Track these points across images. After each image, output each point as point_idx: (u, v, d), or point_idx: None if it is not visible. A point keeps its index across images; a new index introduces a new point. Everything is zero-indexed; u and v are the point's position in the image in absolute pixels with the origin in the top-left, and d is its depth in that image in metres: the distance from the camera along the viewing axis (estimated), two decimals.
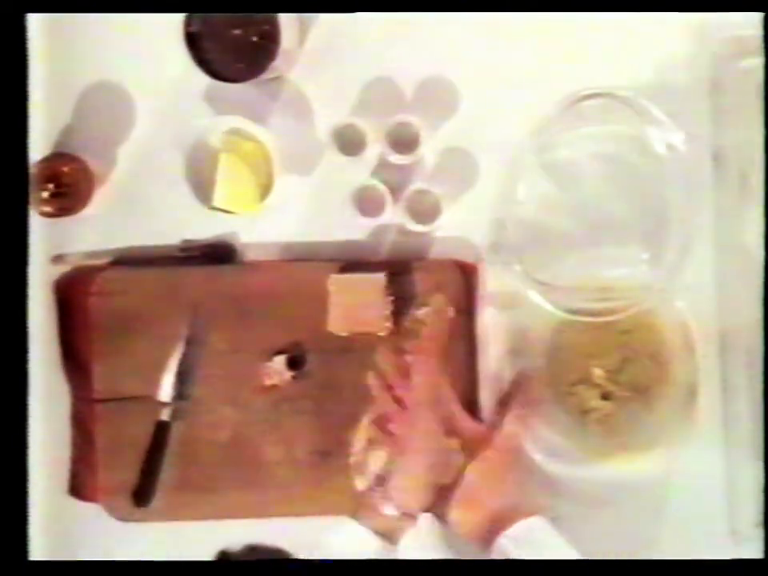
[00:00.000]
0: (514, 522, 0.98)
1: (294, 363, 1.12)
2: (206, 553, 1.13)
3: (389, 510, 0.99)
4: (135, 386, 1.13)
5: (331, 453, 1.11)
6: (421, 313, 1.11)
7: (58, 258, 1.16)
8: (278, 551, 0.90)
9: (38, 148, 1.14)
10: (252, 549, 0.89)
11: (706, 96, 1.12)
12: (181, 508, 1.13)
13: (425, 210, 1.12)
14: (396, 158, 1.12)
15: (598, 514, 1.11)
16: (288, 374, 1.11)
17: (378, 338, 1.10)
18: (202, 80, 1.08)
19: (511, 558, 0.95)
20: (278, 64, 1.07)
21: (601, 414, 1.10)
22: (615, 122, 1.10)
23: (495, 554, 0.97)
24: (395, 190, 1.12)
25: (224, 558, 0.88)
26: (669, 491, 1.11)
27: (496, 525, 0.99)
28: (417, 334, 1.10)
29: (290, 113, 1.15)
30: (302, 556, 0.96)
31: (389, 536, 0.99)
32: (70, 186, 1.12)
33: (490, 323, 1.12)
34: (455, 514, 1.03)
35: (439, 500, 1.02)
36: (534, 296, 1.07)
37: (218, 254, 1.15)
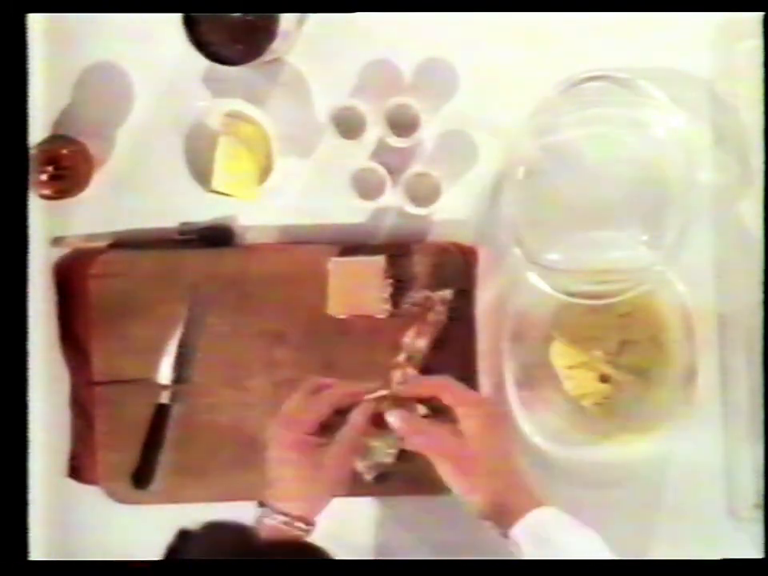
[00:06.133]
0: (525, 509, 0.95)
1: None
2: None
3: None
4: (135, 369, 1.14)
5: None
6: (420, 296, 1.11)
7: (57, 241, 1.16)
8: (241, 528, 0.91)
9: (36, 131, 1.14)
10: (212, 526, 0.90)
11: (705, 78, 1.12)
12: (180, 490, 1.13)
13: (424, 193, 1.12)
14: (395, 141, 1.12)
15: (597, 496, 1.11)
16: None
17: (378, 320, 1.10)
18: (200, 62, 1.09)
19: (525, 550, 0.94)
20: (277, 46, 1.07)
21: (600, 396, 1.10)
22: (615, 104, 1.09)
23: (512, 546, 0.95)
24: (394, 173, 1.12)
25: (184, 536, 0.88)
26: (668, 473, 1.11)
27: (508, 506, 0.96)
28: (416, 317, 1.11)
29: (289, 95, 1.15)
30: None
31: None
32: (68, 169, 1.12)
33: (489, 306, 1.12)
34: (475, 492, 0.99)
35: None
36: (534, 278, 1.07)
37: (217, 236, 1.15)
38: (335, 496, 1.00)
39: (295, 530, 0.98)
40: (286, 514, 0.98)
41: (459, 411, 0.99)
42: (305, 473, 0.99)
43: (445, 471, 0.98)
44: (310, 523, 0.99)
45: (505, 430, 1.02)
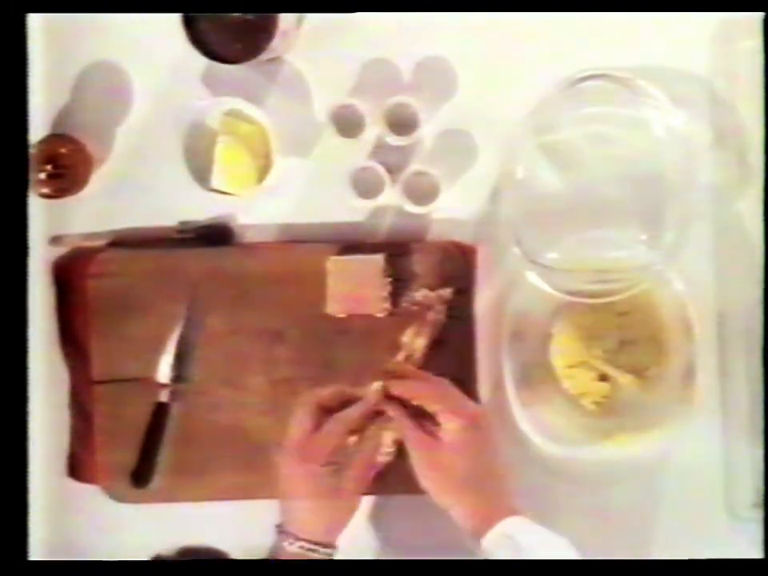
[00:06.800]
0: (497, 518, 0.95)
1: None
2: (204, 535, 1.13)
3: None
4: (134, 368, 1.14)
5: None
6: (419, 295, 1.11)
7: (56, 240, 1.16)
8: (214, 552, 0.91)
9: (36, 129, 1.14)
10: (186, 553, 0.90)
11: (705, 78, 1.12)
12: (179, 489, 1.13)
13: (423, 192, 1.12)
14: (394, 140, 1.12)
15: (596, 495, 1.11)
16: None
17: (377, 319, 1.10)
18: (199, 61, 1.08)
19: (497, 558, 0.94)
20: (276, 45, 1.07)
21: (599, 395, 1.10)
22: (614, 103, 1.09)
23: (483, 555, 0.95)
24: (393, 172, 1.12)
25: (158, 561, 0.89)
26: (667, 472, 1.11)
27: (480, 516, 0.97)
28: (415, 316, 1.11)
29: (288, 94, 1.14)
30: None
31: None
32: (67, 168, 1.12)
33: (489, 305, 1.12)
34: (446, 497, 0.99)
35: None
36: (533, 278, 1.07)
37: (216, 235, 1.15)
38: (354, 514, 1.00)
39: (318, 555, 0.97)
40: (307, 540, 0.97)
41: (441, 419, 0.98)
42: (322, 501, 0.98)
43: (420, 474, 0.98)
44: (332, 546, 0.99)
45: (487, 443, 1.00)
